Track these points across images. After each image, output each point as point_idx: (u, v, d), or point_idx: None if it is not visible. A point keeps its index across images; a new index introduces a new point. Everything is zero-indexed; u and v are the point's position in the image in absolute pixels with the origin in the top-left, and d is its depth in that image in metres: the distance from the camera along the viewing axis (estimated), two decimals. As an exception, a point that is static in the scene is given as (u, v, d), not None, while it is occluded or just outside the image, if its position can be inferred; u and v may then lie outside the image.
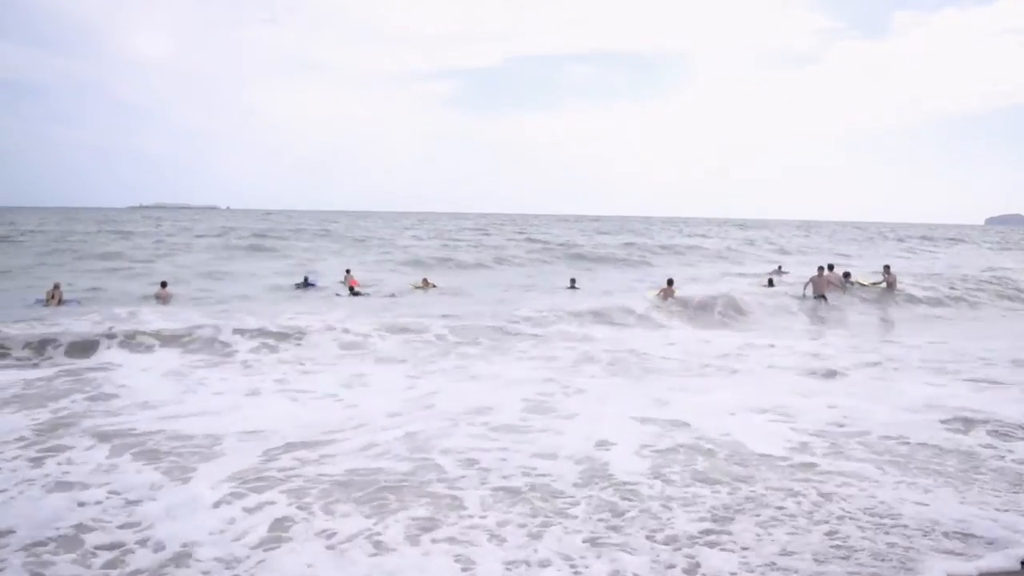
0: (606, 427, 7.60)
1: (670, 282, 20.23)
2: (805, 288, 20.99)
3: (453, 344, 13.23)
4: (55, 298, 18.44)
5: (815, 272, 21.31)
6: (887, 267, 23.47)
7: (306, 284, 24.88)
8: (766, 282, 23.96)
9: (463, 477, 6.17)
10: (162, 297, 19.41)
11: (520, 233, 64.14)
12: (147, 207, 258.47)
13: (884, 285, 22.37)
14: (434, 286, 25.39)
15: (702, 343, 13.94)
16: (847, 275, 22.65)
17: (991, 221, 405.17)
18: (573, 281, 25.17)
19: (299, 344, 12.63)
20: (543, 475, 6.21)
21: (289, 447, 6.94)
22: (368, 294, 22.53)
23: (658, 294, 19.93)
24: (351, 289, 22.56)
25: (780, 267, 34.48)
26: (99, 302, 18.76)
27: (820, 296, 20.44)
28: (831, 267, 21.88)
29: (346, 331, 13.32)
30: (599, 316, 16.58)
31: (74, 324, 12.94)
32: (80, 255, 34.22)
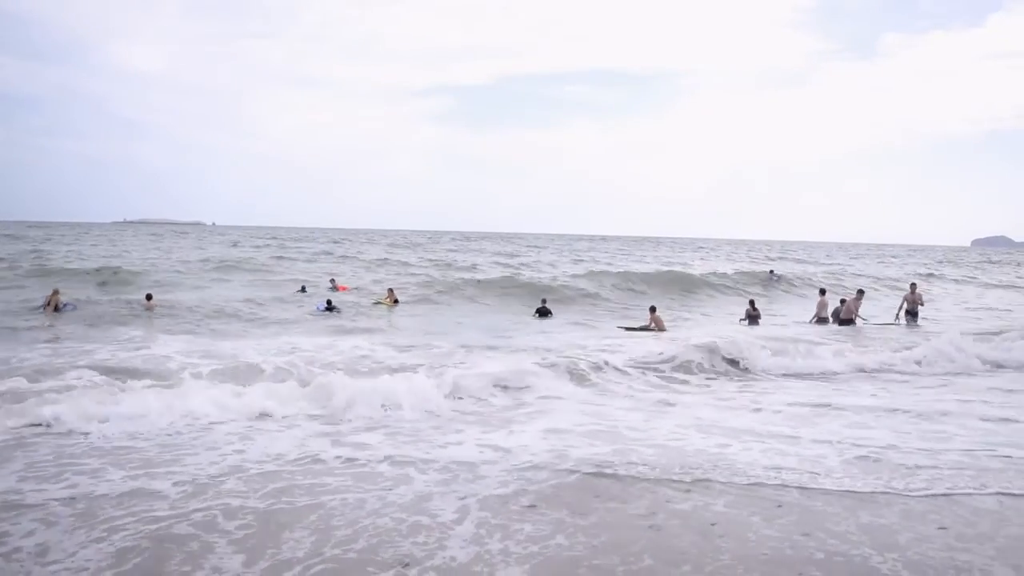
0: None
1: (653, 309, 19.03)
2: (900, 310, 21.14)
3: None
4: (52, 304, 18.96)
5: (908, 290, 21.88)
6: (913, 285, 22.61)
7: (304, 291, 25.65)
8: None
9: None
10: (148, 308, 20.14)
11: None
12: (132, 222, 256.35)
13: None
14: (396, 301, 23.96)
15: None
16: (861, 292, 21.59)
17: (977, 243, 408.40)
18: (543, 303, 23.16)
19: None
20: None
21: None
22: (340, 311, 21.48)
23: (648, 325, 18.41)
24: (329, 304, 21.81)
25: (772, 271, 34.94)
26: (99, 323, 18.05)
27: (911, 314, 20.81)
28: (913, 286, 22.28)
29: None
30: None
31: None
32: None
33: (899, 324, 20.34)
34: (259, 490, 6.13)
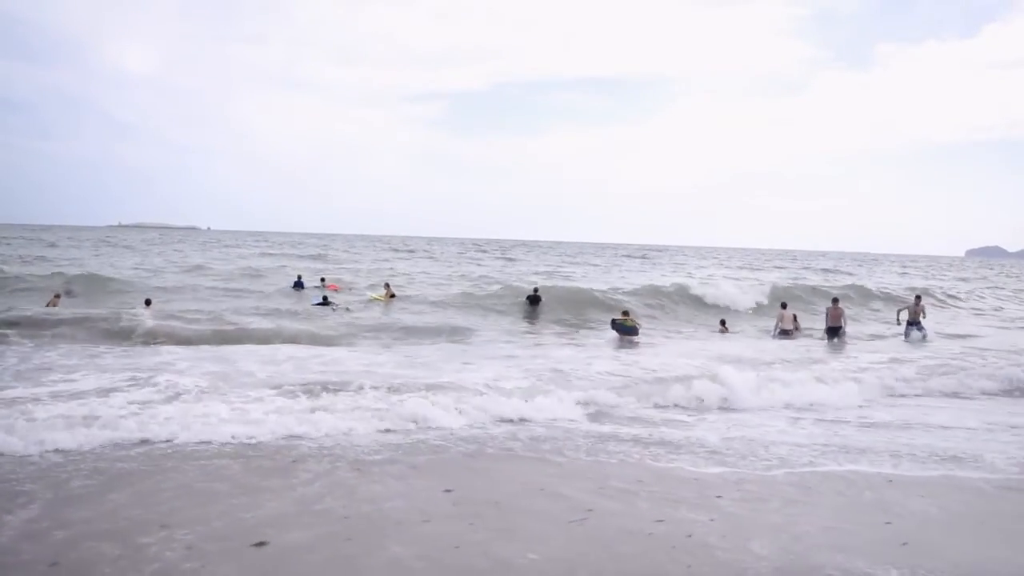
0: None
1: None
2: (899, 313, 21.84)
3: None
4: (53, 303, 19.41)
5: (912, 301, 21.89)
6: (918, 297, 22.49)
7: (299, 286, 26.69)
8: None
9: None
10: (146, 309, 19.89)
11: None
12: (127, 226, 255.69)
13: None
14: (393, 295, 25.05)
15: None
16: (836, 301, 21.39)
17: (971, 253, 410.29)
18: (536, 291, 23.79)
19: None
20: None
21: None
22: (336, 306, 22.58)
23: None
24: (324, 299, 23.07)
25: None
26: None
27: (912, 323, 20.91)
28: (918, 298, 22.21)
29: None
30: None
31: None
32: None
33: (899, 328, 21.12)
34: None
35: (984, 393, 13.24)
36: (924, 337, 20.38)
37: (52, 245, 59.17)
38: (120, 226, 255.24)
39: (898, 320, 21.67)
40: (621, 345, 18.09)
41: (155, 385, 10.50)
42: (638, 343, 18.26)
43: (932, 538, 5.98)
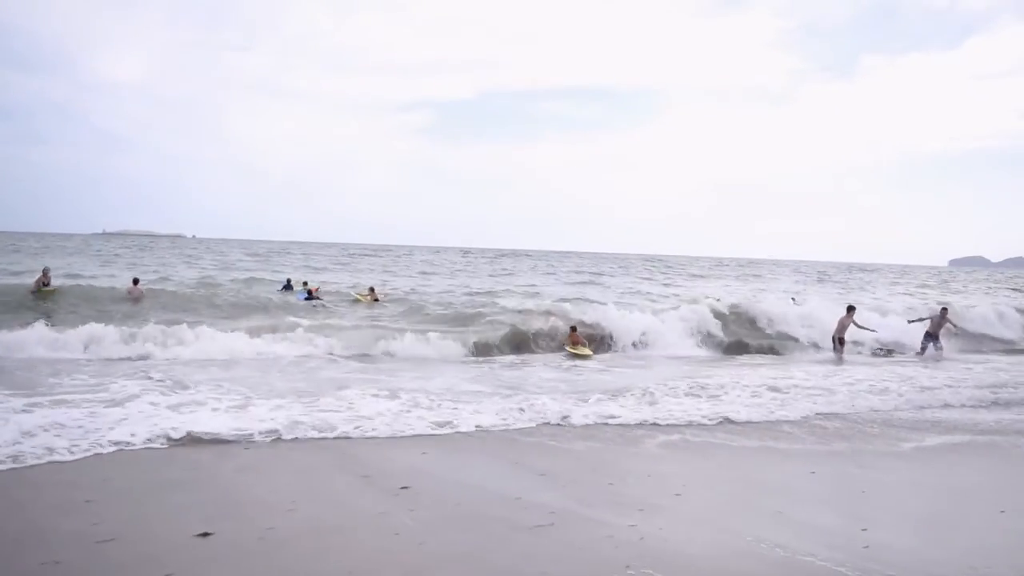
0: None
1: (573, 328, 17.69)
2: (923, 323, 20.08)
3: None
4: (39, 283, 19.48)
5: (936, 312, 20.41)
6: (944, 309, 20.61)
7: (288, 287, 27.30)
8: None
9: None
10: (133, 294, 20.06)
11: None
12: (111, 234, 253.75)
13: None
14: (377, 299, 24.85)
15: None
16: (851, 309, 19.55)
17: (954, 263, 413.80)
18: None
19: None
20: None
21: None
22: (324, 303, 23.82)
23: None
24: (309, 294, 24.39)
25: (793, 298, 34.34)
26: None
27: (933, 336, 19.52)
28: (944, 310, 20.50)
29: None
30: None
31: None
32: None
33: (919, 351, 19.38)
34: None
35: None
36: (940, 354, 18.99)
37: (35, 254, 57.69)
38: (105, 233, 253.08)
39: (915, 320, 20.42)
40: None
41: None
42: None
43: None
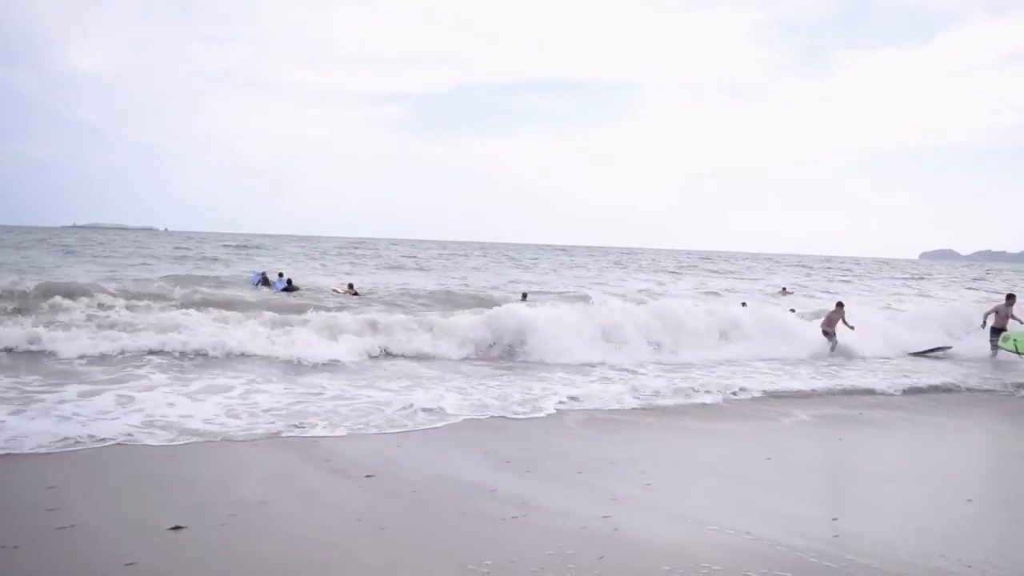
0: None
1: None
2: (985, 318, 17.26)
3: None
4: None
5: (1003, 301, 17.43)
6: (1011, 296, 17.71)
7: (264, 283, 27.05)
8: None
9: None
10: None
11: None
12: (82, 227, 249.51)
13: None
14: (356, 294, 24.68)
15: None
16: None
17: (925, 256, 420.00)
18: (524, 296, 24.95)
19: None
20: None
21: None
22: (297, 291, 24.31)
23: None
24: (288, 283, 24.93)
25: (784, 288, 34.70)
26: None
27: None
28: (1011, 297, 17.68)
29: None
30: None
31: None
32: None
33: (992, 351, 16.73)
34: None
35: None
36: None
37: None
38: (75, 227, 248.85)
39: (983, 323, 17.27)
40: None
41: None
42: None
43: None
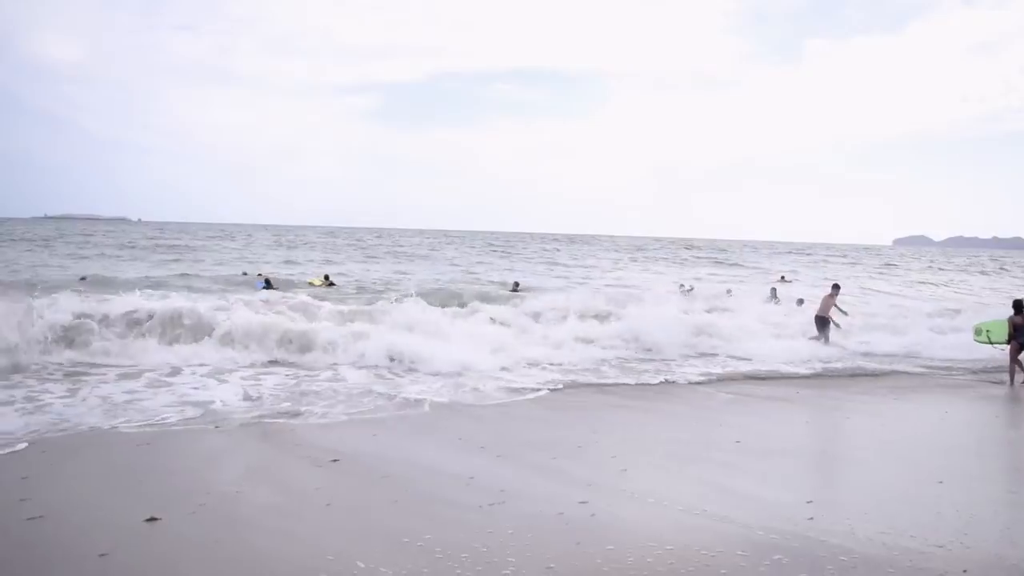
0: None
1: None
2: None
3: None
4: None
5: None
6: None
7: (245, 275, 27.14)
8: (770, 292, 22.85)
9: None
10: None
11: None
12: (53, 218, 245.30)
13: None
14: (332, 285, 24.78)
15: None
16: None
17: (898, 242, 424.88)
18: (516, 285, 24.98)
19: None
20: None
21: None
22: (279, 290, 23.63)
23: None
24: (267, 283, 24.29)
25: (783, 276, 35.14)
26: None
27: None
28: None
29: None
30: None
31: None
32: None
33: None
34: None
35: None
36: None
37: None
38: (46, 218, 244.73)
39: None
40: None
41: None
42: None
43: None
